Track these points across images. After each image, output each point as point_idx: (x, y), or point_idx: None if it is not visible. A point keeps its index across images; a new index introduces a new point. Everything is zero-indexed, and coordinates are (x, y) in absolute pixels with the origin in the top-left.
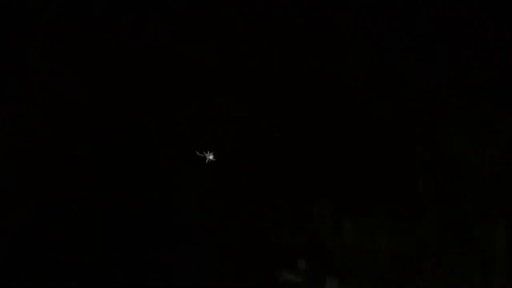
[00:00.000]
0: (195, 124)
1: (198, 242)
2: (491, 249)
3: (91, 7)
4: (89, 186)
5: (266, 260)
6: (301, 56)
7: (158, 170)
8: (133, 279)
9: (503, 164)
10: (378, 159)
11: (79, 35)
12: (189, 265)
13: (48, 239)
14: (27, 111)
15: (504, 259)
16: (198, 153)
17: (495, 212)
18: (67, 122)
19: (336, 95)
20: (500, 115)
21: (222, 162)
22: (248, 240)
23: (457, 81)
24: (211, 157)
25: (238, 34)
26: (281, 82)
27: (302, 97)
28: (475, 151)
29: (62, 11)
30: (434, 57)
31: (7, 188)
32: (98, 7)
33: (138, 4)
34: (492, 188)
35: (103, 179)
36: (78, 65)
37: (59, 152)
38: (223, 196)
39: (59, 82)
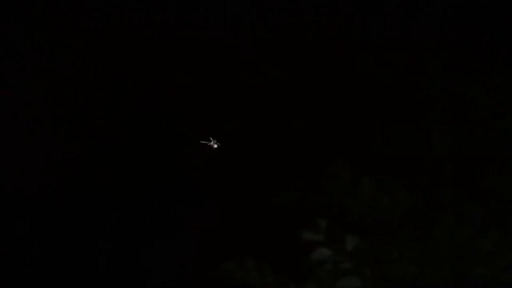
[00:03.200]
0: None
1: (219, 202)
2: (508, 202)
3: None
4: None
5: (287, 220)
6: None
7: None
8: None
9: None
10: (393, 115)
11: None
12: (210, 224)
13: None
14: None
15: None
16: (202, 142)
17: None
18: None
19: (351, 54)
20: None
21: (241, 123)
22: (268, 201)
23: (471, 39)
24: (215, 146)
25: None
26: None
27: (317, 58)
28: (491, 102)
29: None
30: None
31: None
32: None
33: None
34: (510, 140)
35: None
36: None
37: None
38: (242, 156)
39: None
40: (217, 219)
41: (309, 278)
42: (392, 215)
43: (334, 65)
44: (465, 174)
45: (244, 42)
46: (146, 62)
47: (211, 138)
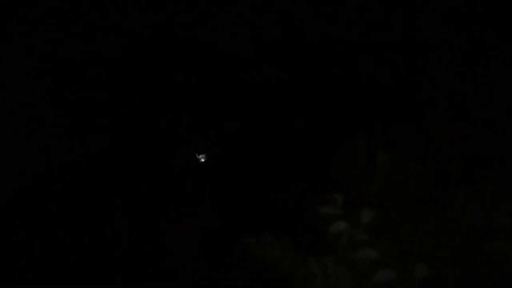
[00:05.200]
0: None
1: (237, 180)
2: None
3: None
4: None
5: (305, 196)
6: None
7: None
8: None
9: None
10: (408, 94)
11: None
12: (229, 201)
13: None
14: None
15: None
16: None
17: None
18: None
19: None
20: None
21: (259, 101)
22: (287, 177)
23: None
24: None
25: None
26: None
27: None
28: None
29: None
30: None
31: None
32: None
33: None
34: None
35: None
36: None
37: None
38: (260, 133)
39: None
40: (236, 196)
41: (327, 251)
42: (407, 190)
43: (347, 46)
44: (481, 151)
45: (244, 42)
46: (146, 61)
47: (198, 155)
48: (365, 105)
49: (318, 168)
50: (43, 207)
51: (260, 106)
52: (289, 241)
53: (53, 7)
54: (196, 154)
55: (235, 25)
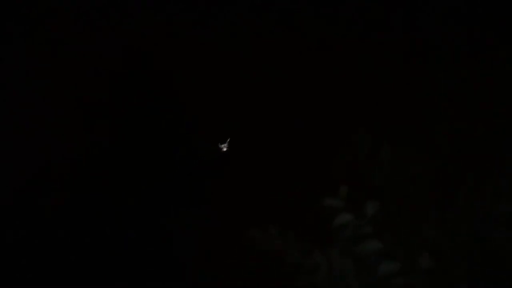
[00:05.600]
0: None
1: (242, 172)
2: None
3: None
4: None
5: (309, 188)
6: None
7: None
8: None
9: None
10: (414, 86)
11: None
12: (234, 193)
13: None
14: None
15: None
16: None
17: None
18: None
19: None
20: None
21: (261, 98)
22: (292, 170)
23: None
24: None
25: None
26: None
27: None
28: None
29: None
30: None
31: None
32: None
33: None
34: None
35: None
36: None
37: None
38: (264, 132)
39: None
40: (240, 188)
41: (331, 243)
42: (412, 182)
43: (347, 46)
44: (485, 143)
45: (244, 41)
46: (146, 61)
47: (221, 143)
48: (368, 100)
49: (322, 161)
50: (43, 207)
51: (263, 103)
52: (294, 233)
53: (53, 7)
54: (219, 144)
55: (235, 25)
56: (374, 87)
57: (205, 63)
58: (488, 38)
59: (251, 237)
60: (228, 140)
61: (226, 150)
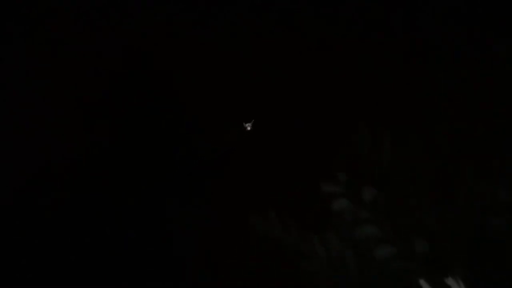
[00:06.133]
0: None
1: (243, 160)
2: None
3: None
4: None
5: (309, 175)
6: None
7: None
8: None
9: None
10: (413, 76)
11: None
12: (234, 180)
13: None
14: None
15: None
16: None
17: None
18: None
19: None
20: None
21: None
22: (294, 156)
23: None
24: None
25: None
26: None
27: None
28: None
29: None
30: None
31: None
32: None
33: None
34: None
35: None
36: None
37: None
38: (263, 119)
39: None
40: (241, 175)
41: (329, 228)
42: (411, 172)
43: (347, 46)
44: (485, 137)
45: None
46: (145, 61)
47: (246, 123)
48: (368, 98)
49: (322, 147)
50: (44, 206)
51: (263, 103)
52: (293, 219)
53: (53, 7)
54: (243, 123)
55: (235, 25)
56: (374, 87)
57: (205, 63)
58: (488, 38)
59: (251, 223)
60: (253, 121)
61: (250, 129)
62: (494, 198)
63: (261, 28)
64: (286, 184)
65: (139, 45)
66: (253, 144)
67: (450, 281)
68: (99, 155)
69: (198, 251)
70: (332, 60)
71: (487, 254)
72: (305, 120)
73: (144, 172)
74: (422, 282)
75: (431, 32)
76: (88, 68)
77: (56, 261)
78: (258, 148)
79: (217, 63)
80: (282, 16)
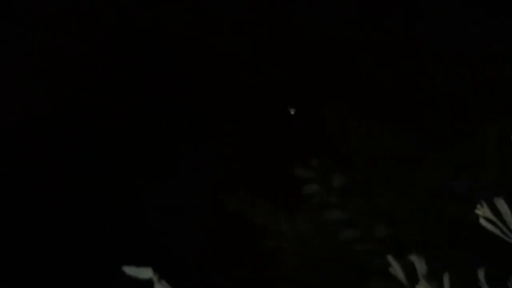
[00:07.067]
0: None
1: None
2: (482, 148)
3: None
4: None
5: (281, 159)
6: None
7: None
8: None
9: None
10: (387, 64)
11: None
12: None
13: None
14: None
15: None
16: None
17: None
18: None
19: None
20: None
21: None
22: (267, 142)
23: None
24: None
25: None
26: None
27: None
28: None
29: None
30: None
31: None
32: None
33: None
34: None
35: None
36: None
37: None
38: (240, 98)
39: None
40: (215, 156)
41: (299, 210)
42: (378, 157)
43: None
44: (447, 122)
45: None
46: (146, 60)
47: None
48: (344, 74)
49: (297, 132)
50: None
51: (262, 103)
52: (262, 199)
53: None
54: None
55: (235, 25)
56: (374, 87)
57: (205, 63)
58: (488, 38)
59: (222, 200)
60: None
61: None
62: (453, 185)
63: (261, 28)
64: (261, 167)
65: (139, 45)
66: (230, 123)
67: (413, 257)
68: (99, 155)
69: (169, 227)
70: (332, 61)
71: (443, 238)
72: (281, 102)
73: (144, 172)
74: (389, 257)
75: (431, 32)
76: (88, 68)
77: (54, 261)
78: (235, 127)
79: (217, 63)
80: (282, 16)
